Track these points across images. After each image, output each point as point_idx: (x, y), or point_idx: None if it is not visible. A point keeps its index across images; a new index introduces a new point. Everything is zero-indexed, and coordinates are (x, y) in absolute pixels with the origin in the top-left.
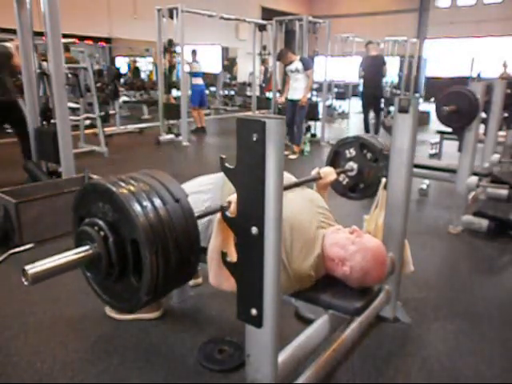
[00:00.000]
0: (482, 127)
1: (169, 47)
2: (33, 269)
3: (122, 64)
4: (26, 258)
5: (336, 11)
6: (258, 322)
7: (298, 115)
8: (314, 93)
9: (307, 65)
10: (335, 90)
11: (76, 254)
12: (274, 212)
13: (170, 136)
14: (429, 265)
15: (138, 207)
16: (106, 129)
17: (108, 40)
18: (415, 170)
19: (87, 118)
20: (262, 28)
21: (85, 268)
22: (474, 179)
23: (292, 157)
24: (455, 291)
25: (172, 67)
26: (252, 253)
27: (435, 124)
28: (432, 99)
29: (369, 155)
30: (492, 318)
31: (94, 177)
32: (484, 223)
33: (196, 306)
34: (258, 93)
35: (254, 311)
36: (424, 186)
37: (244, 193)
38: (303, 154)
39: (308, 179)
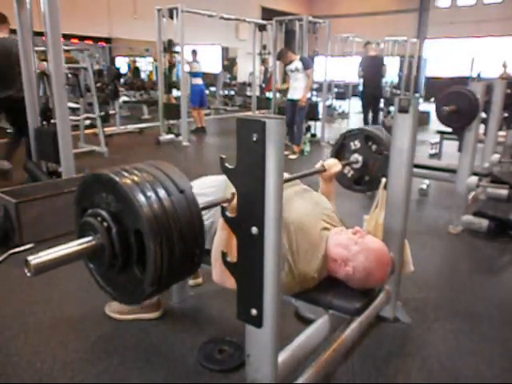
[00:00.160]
0: (482, 127)
1: (169, 48)
2: (35, 259)
3: (121, 64)
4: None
5: (336, 11)
6: (257, 321)
7: (298, 115)
8: (314, 93)
9: (307, 64)
10: (335, 89)
11: (79, 244)
12: (274, 212)
13: (170, 136)
14: (429, 265)
15: (141, 197)
16: (106, 129)
17: (108, 40)
18: (415, 170)
19: (87, 118)
20: (261, 28)
21: (88, 259)
22: (473, 179)
23: (292, 157)
24: (455, 291)
25: (172, 67)
26: (252, 253)
27: (435, 124)
28: (432, 99)
29: (374, 147)
30: (492, 318)
31: None
32: (484, 223)
33: (196, 306)
34: (257, 93)
35: (253, 311)
36: (424, 186)
37: (244, 193)
38: (303, 153)
39: (312, 172)
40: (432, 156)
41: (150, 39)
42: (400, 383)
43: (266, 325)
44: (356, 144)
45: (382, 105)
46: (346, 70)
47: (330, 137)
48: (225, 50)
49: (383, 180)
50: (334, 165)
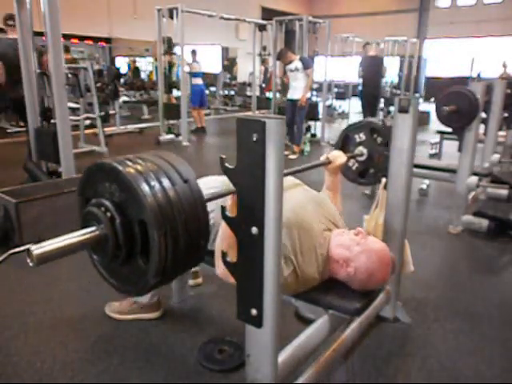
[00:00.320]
0: (482, 127)
1: (169, 48)
2: (38, 249)
3: (121, 64)
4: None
5: (336, 11)
6: (258, 322)
7: (298, 115)
8: (314, 93)
9: (307, 64)
10: (335, 90)
11: (82, 235)
12: (274, 212)
13: (170, 136)
14: (429, 265)
15: (145, 187)
16: (106, 129)
17: (108, 40)
18: (415, 170)
19: (87, 118)
20: (261, 28)
21: (91, 250)
22: (473, 179)
23: (292, 157)
24: (455, 291)
25: (171, 66)
26: (252, 253)
27: (435, 124)
28: (432, 99)
29: (379, 139)
30: (492, 318)
31: None
32: (484, 223)
33: (196, 306)
34: (257, 93)
35: (254, 311)
36: (424, 186)
37: (244, 193)
38: (303, 153)
39: (317, 164)
40: (432, 156)
41: (149, 39)
42: (400, 383)
43: (266, 325)
44: (361, 136)
45: (382, 105)
46: (346, 69)
47: (330, 137)
48: (225, 50)
49: (383, 180)
50: (338, 156)
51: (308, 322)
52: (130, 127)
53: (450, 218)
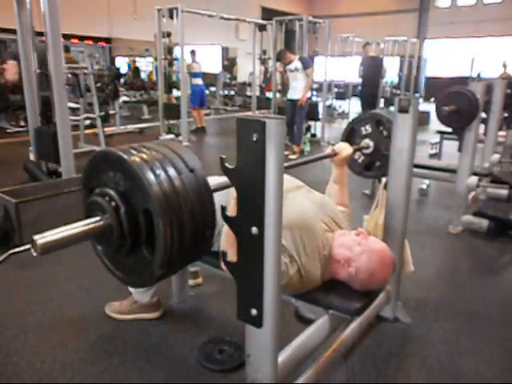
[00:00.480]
0: (482, 127)
1: (169, 55)
2: (42, 239)
3: (121, 64)
4: (26, 258)
5: (336, 11)
6: (258, 322)
7: (298, 115)
8: (314, 93)
9: (306, 64)
10: (335, 90)
11: (86, 225)
12: (274, 212)
13: (170, 136)
14: (429, 265)
15: (151, 176)
16: (106, 129)
17: (108, 40)
18: (415, 170)
19: (87, 118)
20: (261, 28)
21: (95, 240)
22: (473, 179)
23: (292, 157)
24: (455, 291)
25: (171, 66)
26: (252, 253)
27: (435, 124)
28: (432, 99)
29: (385, 132)
30: (492, 317)
31: None
32: (484, 223)
33: (196, 306)
34: (257, 93)
35: (254, 311)
36: (424, 186)
37: (244, 193)
38: (303, 153)
39: (323, 156)
40: (432, 156)
41: (149, 39)
42: (400, 383)
43: (266, 325)
44: (367, 129)
45: (382, 105)
46: (346, 69)
47: (330, 137)
48: (225, 50)
49: (383, 180)
50: (344, 148)
51: (308, 321)
52: (130, 127)
53: (450, 218)
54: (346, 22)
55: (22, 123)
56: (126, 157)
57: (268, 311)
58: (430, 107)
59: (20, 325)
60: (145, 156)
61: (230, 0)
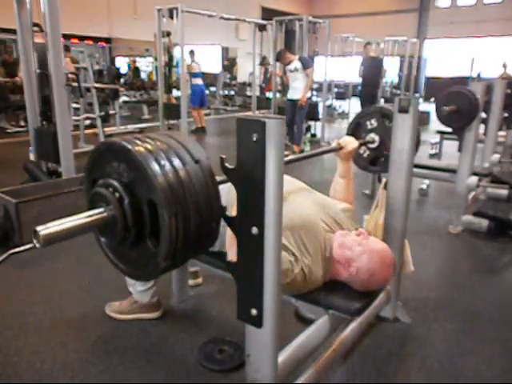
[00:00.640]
0: (482, 127)
1: (169, 61)
2: (45, 230)
3: (121, 64)
4: (26, 258)
5: (336, 11)
6: (258, 322)
7: (298, 115)
8: (314, 93)
9: (306, 64)
10: (335, 89)
11: (90, 216)
12: (274, 212)
13: None
14: (429, 265)
15: (155, 166)
16: (106, 129)
17: (108, 40)
18: (415, 170)
19: (87, 118)
20: (261, 28)
21: (98, 232)
22: (473, 179)
23: (292, 157)
24: (455, 291)
25: (171, 66)
26: (252, 253)
27: (435, 124)
28: (432, 99)
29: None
30: (492, 317)
31: None
32: (484, 223)
33: (196, 306)
34: (257, 93)
35: (254, 311)
36: (424, 186)
37: (244, 193)
38: (303, 153)
39: (328, 150)
40: (432, 156)
41: (149, 39)
42: (400, 383)
43: (266, 325)
44: (372, 123)
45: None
46: (346, 69)
47: (330, 137)
48: (225, 50)
49: (383, 180)
50: (350, 142)
51: (308, 321)
52: (130, 127)
53: (450, 218)
54: (346, 22)
55: (22, 123)
56: (130, 147)
57: (268, 311)
58: (430, 107)
59: (20, 325)
60: (149, 146)
61: (230, 0)
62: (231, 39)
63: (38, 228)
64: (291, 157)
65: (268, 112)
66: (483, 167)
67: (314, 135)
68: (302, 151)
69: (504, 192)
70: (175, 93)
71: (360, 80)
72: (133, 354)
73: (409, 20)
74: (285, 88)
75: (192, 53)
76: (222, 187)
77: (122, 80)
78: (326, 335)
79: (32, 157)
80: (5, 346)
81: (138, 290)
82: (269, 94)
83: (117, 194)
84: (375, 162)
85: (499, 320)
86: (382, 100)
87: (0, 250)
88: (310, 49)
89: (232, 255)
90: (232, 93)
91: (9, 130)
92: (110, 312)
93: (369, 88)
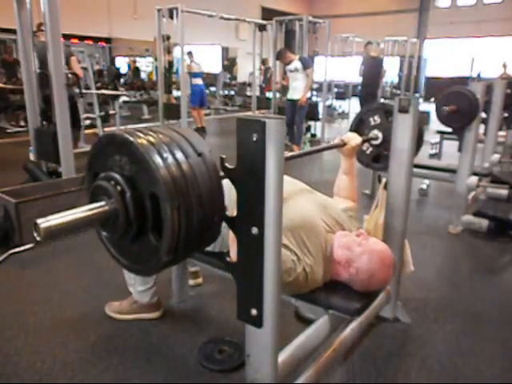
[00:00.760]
0: (482, 127)
1: (169, 67)
2: (45, 223)
3: (122, 64)
4: (26, 258)
5: (336, 11)
6: (258, 322)
7: (298, 115)
8: (314, 93)
9: (306, 64)
10: (335, 90)
11: (91, 209)
12: (274, 212)
13: None
14: (429, 265)
15: (158, 159)
16: (106, 129)
17: (108, 40)
18: (415, 170)
19: (87, 118)
20: (262, 28)
21: (100, 226)
22: (473, 179)
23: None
24: (455, 291)
25: (171, 66)
26: (252, 253)
27: (435, 124)
28: (432, 99)
29: None
30: (492, 317)
31: None
32: (484, 223)
33: (196, 305)
34: (258, 93)
35: (254, 311)
36: (424, 186)
37: (244, 193)
38: None
39: (331, 146)
40: (432, 156)
41: (149, 39)
42: (400, 383)
43: (266, 325)
44: (376, 119)
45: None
46: (346, 69)
47: (330, 137)
48: (225, 50)
49: (383, 180)
50: (353, 138)
51: (308, 321)
52: (130, 127)
53: (450, 218)
54: (346, 22)
55: (22, 123)
56: (132, 139)
57: (268, 311)
58: (430, 107)
59: (20, 325)
60: (152, 139)
61: (230, 0)
62: (231, 39)
63: (39, 221)
64: (292, 153)
65: (268, 112)
66: (483, 167)
67: (314, 135)
68: None
69: (504, 192)
70: (175, 93)
71: (360, 80)
72: (133, 353)
73: (409, 20)
74: (285, 89)
75: (190, 54)
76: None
77: (122, 80)
78: (326, 335)
79: (32, 157)
80: (5, 346)
81: (138, 290)
82: (269, 94)
83: (119, 187)
84: (378, 159)
85: (499, 320)
86: (382, 100)
87: (0, 250)
88: (310, 49)
89: (234, 253)
90: (232, 93)
91: (9, 130)
92: (110, 312)
93: (369, 88)
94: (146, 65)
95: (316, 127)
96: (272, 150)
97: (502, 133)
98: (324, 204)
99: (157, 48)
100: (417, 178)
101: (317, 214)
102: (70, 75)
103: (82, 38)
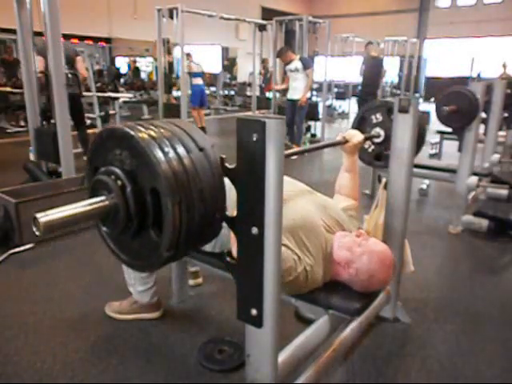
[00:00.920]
0: (482, 127)
1: (170, 72)
2: (45, 217)
3: (122, 64)
4: (26, 258)
5: (336, 11)
6: (258, 322)
7: (298, 115)
8: (314, 93)
9: (307, 64)
10: (335, 90)
11: (91, 204)
12: (274, 212)
13: None
14: (429, 265)
15: (159, 153)
16: None
17: (108, 40)
18: (415, 170)
19: (87, 118)
20: (261, 28)
21: (100, 221)
22: (473, 179)
23: (292, 157)
24: (455, 291)
25: (171, 66)
26: (252, 253)
27: (435, 124)
28: (432, 99)
29: None
30: (492, 317)
31: None
32: (484, 223)
33: (196, 305)
34: (258, 93)
35: (254, 311)
36: (424, 186)
37: (244, 193)
38: (303, 154)
39: (333, 143)
40: (432, 156)
41: (149, 39)
42: (400, 383)
43: (266, 325)
44: (378, 117)
45: None
46: (346, 69)
47: (330, 137)
48: (225, 50)
49: (383, 180)
50: (355, 135)
51: (308, 321)
52: None
53: (449, 218)
54: (346, 22)
55: (22, 123)
56: (133, 133)
57: (268, 311)
58: (430, 107)
59: (20, 325)
60: (153, 133)
61: (230, 0)
62: (231, 39)
63: (38, 215)
64: (294, 149)
65: (268, 112)
66: (483, 167)
67: (313, 135)
68: None
69: (504, 192)
70: (175, 93)
71: (360, 79)
72: (133, 353)
73: (409, 20)
74: (284, 89)
75: (189, 55)
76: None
77: (122, 80)
78: (326, 335)
79: (32, 157)
80: (5, 346)
81: (138, 290)
82: (269, 94)
83: (119, 182)
84: (380, 156)
85: (499, 320)
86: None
87: (0, 250)
88: (310, 49)
89: (235, 252)
90: (232, 93)
91: (9, 130)
92: (110, 312)
93: (369, 88)
94: (145, 65)
95: (316, 127)
96: (272, 150)
97: (502, 133)
98: (324, 204)
99: (157, 51)
100: (417, 177)
101: (317, 214)
102: (69, 75)
103: (81, 38)
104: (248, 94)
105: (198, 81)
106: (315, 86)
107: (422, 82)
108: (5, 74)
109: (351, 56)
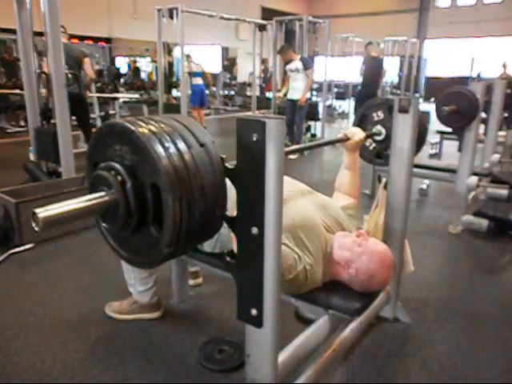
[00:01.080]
0: (482, 127)
1: (170, 75)
2: (44, 212)
3: (122, 64)
4: (26, 258)
5: (336, 11)
6: (258, 322)
7: (298, 115)
8: (314, 93)
9: (307, 64)
10: (335, 90)
11: (90, 200)
12: (274, 212)
13: None
14: (429, 265)
15: (160, 148)
16: None
17: (108, 40)
18: (415, 170)
19: None
20: (262, 28)
21: (100, 217)
22: (473, 179)
23: (292, 157)
24: (455, 291)
25: (171, 66)
26: (252, 253)
27: (435, 124)
28: (432, 99)
29: None
30: (492, 317)
31: None
32: (484, 223)
33: (196, 305)
34: (258, 93)
35: (254, 311)
36: (424, 186)
37: (244, 193)
38: (303, 154)
39: (334, 140)
40: (432, 156)
41: (149, 39)
42: (400, 383)
43: (266, 325)
44: (379, 115)
45: None
46: (346, 69)
47: (330, 137)
48: (225, 50)
49: (383, 180)
50: (356, 133)
51: (308, 321)
52: None
53: (449, 218)
54: (346, 22)
55: (22, 123)
56: (133, 128)
57: (268, 311)
58: (430, 107)
59: (20, 325)
60: (153, 128)
61: (230, 0)
62: (231, 39)
63: (37, 210)
64: (296, 146)
65: (268, 112)
66: (483, 167)
67: (313, 135)
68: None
69: (504, 192)
70: (175, 93)
71: (360, 79)
72: (133, 353)
73: (409, 20)
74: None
75: (189, 56)
76: None
77: (122, 80)
78: (326, 335)
79: (32, 157)
80: (5, 346)
81: (138, 290)
82: (269, 94)
83: (119, 177)
84: (381, 154)
85: (499, 320)
86: None
87: (0, 250)
88: (310, 49)
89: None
90: (232, 93)
91: (9, 130)
92: (110, 312)
93: (369, 88)
94: (145, 65)
95: (316, 127)
96: (272, 150)
97: (502, 133)
98: (324, 204)
99: (157, 52)
100: (417, 177)
101: (317, 214)
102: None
103: (82, 38)
104: (248, 93)
105: (198, 81)
106: (315, 85)
107: (421, 82)
108: (5, 74)
109: (351, 56)
